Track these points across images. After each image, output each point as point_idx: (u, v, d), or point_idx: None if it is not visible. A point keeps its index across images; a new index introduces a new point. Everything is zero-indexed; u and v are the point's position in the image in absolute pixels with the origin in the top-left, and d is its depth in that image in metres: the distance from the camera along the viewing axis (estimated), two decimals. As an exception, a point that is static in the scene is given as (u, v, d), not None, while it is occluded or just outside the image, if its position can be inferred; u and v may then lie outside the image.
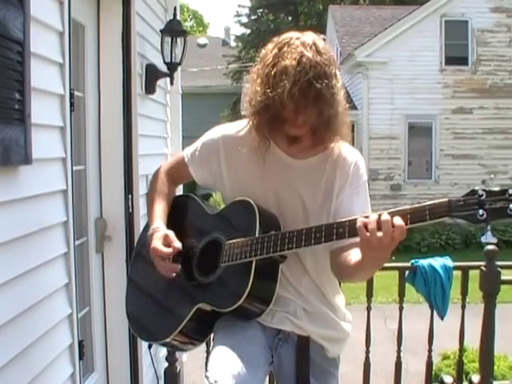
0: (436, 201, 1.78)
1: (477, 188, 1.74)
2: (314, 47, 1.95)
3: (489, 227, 1.75)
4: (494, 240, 1.77)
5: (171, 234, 2.14)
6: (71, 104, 2.94)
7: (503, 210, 1.70)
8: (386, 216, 1.80)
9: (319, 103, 1.93)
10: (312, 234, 1.94)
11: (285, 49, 1.96)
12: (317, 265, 2.18)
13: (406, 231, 1.79)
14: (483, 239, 1.76)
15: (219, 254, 2.12)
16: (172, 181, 2.38)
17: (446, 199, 1.77)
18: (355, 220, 1.85)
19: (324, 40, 2.05)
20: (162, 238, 2.13)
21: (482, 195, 1.72)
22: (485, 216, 1.71)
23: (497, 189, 1.72)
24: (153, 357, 4.12)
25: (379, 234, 1.79)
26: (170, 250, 2.10)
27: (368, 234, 1.80)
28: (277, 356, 2.22)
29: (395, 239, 1.81)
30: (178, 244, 2.11)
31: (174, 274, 2.15)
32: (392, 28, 17.16)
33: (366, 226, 1.81)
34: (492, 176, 1.79)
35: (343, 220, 1.92)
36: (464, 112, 17.24)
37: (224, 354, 2.04)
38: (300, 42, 1.96)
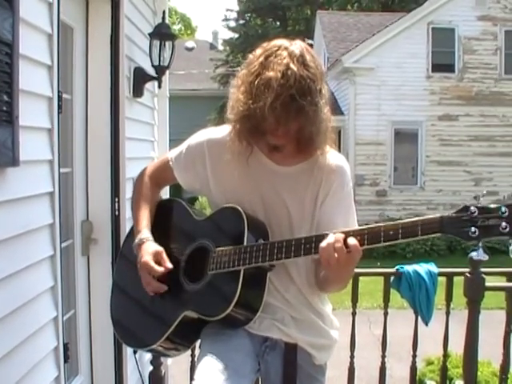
0: (428, 217, 1.79)
1: (469, 204, 1.74)
2: (301, 59, 1.90)
3: (481, 244, 1.75)
4: (486, 257, 1.76)
5: (163, 251, 2.13)
6: (59, 106, 2.92)
7: (495, 228, 1.70)
8: (339, 235, 1.85)
9: (300, 119, 1.89)
10: (301, 245, 1.94)
11: (271, 58, 1.91)
12: (300, 273, 2.17)
13: (360, 251, 1.84)
14: (475, 256, 1.76)
15: (206, 261, 2.10)
16: (156, 184, 2.36)
17: (438, 215, 1.78)
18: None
19: (311, 45, 2.03)
20: (153, 254, 2.11)
21: (475, 212, 1.72)
22: (477, 233, 1.72)
23: (489, 206, 1.72)
24: (138, 361, 4.11)
25: (336, 254, 1.84)
26: (161, 269, 2.09)
27: (325, 254, 1.85)
28: (264, 363, 2.21)
29: (353, 258, 1.85)
30: (170, 265, 2.10)
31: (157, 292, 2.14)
32: (379, 34, 17.26)
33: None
34: (484, 192, 1.79)
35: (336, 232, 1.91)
36: (450, 119, 17.35)
37: (210, 364, 2.03)
38: (288, 52, 1.91)
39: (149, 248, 2.13)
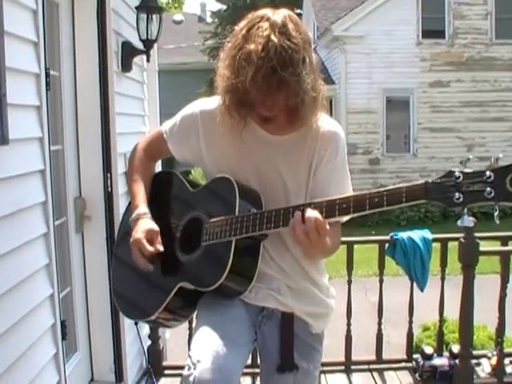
0: (413, 183, 1.76)
1: (454, 169, 1.70)
2: (283, 29, 1.87)
3: (465, 210, 1.72)
4: (471, 224, 1.73)
5: (158, 232, 2.11)
6: (47, 83, 2.91)
7: (480, 194, 1.66)
8: (309, 215, 1.84)
9: (282, 90, 1.86)
10: (290, 214, 1.92)
11: (253, 30, 1.89)
12: None
13: (323, 224, 1.83)
14: (459, 223, 1.73)
15: (201, 232, 2.10)
16: (151, 157, 2.35)
17: (422, 181, 1.75)
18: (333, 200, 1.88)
19: (300, 15, 1.99)
20: (147, 232, 2.10)
21: (459, 177, 1.69)
22: (461, 199, 1.68)
23: (474, 171, 1.68)
24: (139, 331, 4.14)
25: (306, 230, 1.84)
26: (151, 248, 2.07)
27: (295, 232, 1.86)
28: (260, 333, 2.21)
29: (322, 234, 1.84)
30: (160, 247, 2.09)
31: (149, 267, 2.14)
32: (369, 2, 17.08)
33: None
34: (471, 156, 1.75)
35: (320, 200, 1.91)
36: (441, 85, 17.30)
37: (207, 334, 2.03)
38: (269, 23, 1.88)
39: (144, 225, 2.12)
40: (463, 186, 1.68)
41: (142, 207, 2.18)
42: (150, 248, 2.07)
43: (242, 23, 1.96)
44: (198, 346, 2.01)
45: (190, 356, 1.99)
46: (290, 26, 1.89)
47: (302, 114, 1.95)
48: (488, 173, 1.65)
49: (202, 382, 1.89)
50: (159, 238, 2.10)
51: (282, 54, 1.83)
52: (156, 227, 2.12)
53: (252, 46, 1.85)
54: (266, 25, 1.88)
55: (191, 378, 1.91)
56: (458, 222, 1.74)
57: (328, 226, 1.87)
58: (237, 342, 2.06)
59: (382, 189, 1.82)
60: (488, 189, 1.65)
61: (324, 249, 1.95)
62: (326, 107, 2.07)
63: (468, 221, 1.72)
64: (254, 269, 2.08)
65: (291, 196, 2.10)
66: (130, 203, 2.36)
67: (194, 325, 2.26)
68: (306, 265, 2.20)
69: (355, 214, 1.86)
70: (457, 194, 1.69)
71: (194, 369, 1.92)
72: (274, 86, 1.84)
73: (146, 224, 2.12)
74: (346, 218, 2.01)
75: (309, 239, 1.84)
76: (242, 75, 1.85)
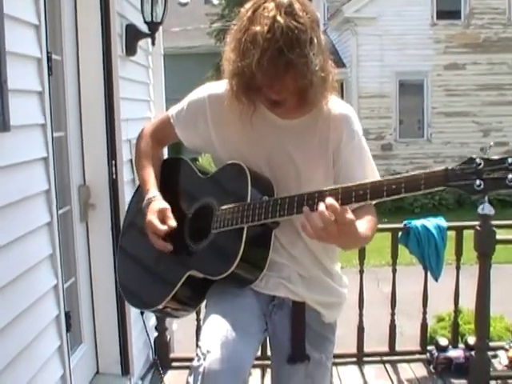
0: (432, 169, 1.72)
1: (475, 156, 1.67)
2: (289, 9, 1.83)
3: (486, 198, 1.67)
4: (492, 212, 1.68)
5: (168, 209, 2.10)
6: (49, 68, 2.86)
7: (501, 181, 1.63)
8: (322, 206, 1.74)
9: (290, 73, 1.83)
10: (304, 202, 1.87)
11: (258, 12, 1.86)
12: None
13: (343, 211, 1.73)
14: (480, 210, 1.68)
15: (211, 220, 2.08)
16: (158, 141, 2.33)
17: (442, 168, 1.71)
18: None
19: (309, -4, 1.94)
20: (158, 212, 2.09)
21: (480, 164, 1.65)
22: (482, 186, 1.65)
23: (495, 157, 1.65)
24: (146, 322, 4.09)
25: (321, 225, 1.74)
26: (164, 227, 2.06)
27: (311, 230, 1.76)
28: (271, 323, 2.20)
29: (341, 223, 1.73)
30: (173, 223, 2.07)
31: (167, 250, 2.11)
32: (381, -19, 16.92)
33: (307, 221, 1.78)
34: (491, 143, 1.70)
35: (335, 187, 1.84)
36: (457, 68, 17.13)
37: (216, 323, 2.02)
38: (275, 4, 1.84)
39: (154, 206, 2.11)
40: (484, 173, 1.65)
41: (152, 191, 2.17)
42: (162, 227, 2.06)
43: (248, 4, 1.93)
44: (208, 335, 1.99)
45: (199, 346, 1.98)
46: (297, 5, 1.86)
47: (311, 97, 1.92)
48: (510, 160, 1.63)
49: (211, 373, 1.89)
50: (170, 215, 2.09)
51: (289, 34, 1.80)
52: (166, 205, 2.11)
53: (257, 28, 1.82)
54: (271, 5, 1.85)
55: (201, 369, 1.90)
56: (479, 210, 1.71)
57: (351, 215, 1.76)
58: (247, 332, 2.04)
59: (400, 175, 1.78)
60: (510, 176, 1.62)
61: (356, 236, 1.84)
62: (337, 89, 2.03)
63: (489, 208, 1.69)
64: (265, 257, 2.06)
65: (303, 181, 2.07)
66: (135, 191, 2.38)
67: (201, 316, 2.25)
68: (318, 252, 2.17)
69: (372, 201, 1.84)
70: (477, 182, 1.65)
71: (204, 359, 1.91)
72: (281, 69, 1.82)
73: (156, 205, 2.11)
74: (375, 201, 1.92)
75: (326, 231, 1.74)
76: (247, 58, 1.83)
